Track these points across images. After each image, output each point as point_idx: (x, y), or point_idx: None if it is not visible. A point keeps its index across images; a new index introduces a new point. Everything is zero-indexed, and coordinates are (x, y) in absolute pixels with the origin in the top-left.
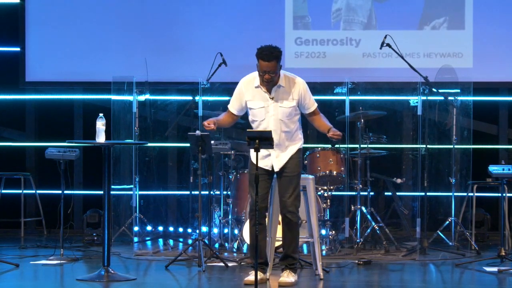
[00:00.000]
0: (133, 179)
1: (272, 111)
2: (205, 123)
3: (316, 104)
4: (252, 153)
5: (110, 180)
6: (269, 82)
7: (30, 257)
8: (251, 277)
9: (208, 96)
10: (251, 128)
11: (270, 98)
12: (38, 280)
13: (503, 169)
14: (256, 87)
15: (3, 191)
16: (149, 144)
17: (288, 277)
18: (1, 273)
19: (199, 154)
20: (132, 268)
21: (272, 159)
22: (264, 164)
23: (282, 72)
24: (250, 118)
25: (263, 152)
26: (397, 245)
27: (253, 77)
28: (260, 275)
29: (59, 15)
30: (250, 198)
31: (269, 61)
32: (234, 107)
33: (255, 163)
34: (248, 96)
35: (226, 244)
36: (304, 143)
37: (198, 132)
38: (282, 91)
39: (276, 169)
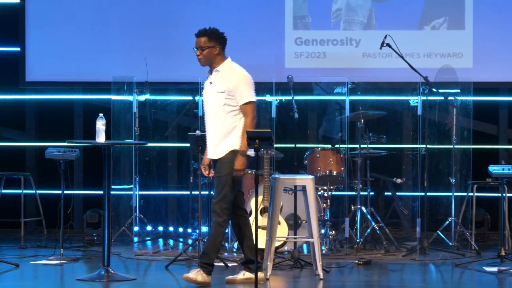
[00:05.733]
0: (133, 179)
1: (208, 95)
2: (205, 173)
3: (244, 102)
4: None
5: (110, 180)
6: (199, 60)
7: (30, 257)
8: (190, 274)
9: None
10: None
11: (210, 83)
12: (38, 280)
13: (503, 169)
14: (208, 72)
15: (3, 191)
16: (149, 144)
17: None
18: (1, 273)
19: (199, 154)
20: (132, 268)
21: (210, 147)
22: (208, 154)
23: (229, 61)
24: None
25: (207, 141)
26: (397, 245)
27: None
28: (207, 278)
29: (59, 15)
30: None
31: (198, 36)
32: None
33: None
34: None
35: (226, 244)
36: (304, 143)
37: (198, 132)
38: (219, 77)
39: (209, 156)
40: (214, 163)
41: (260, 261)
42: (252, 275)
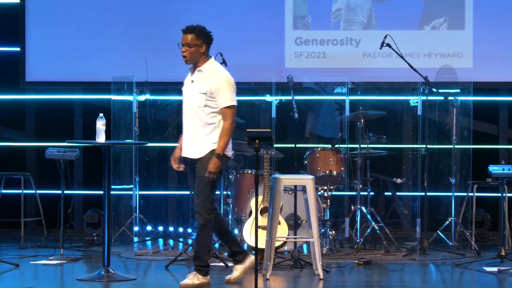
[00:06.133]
0: (133, 179)
1: (188, 94)
2: (174, 167)
3: (225, 105)
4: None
5: (110, 180)
6: (184, 57)
7: (30, 257)
8: (187, 280)
9: None
10: (250, 127)
11: (191, 81)
12: (38, 280)
13: (503, 169)
14: (190, 69)
15: (3, 191)
16: (149, 144)
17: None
18: (1, 273)
19: None
20: (132, 268)
21: (187, 146)
22: (184, 152)
23: (212, 62)
24: None
25: (184, 139)
26: (397, 245)
27: None
28: (204, 278)
29: (59, 15)
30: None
31: (185, 33)
32: None
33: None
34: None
35: None
36: (304, 143)
37: None
38: (201, 76)
39: (187, 155)
40: (193, 163)
41: (260, 261)
42: (243, 265)
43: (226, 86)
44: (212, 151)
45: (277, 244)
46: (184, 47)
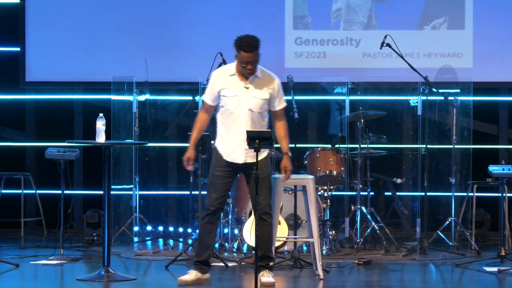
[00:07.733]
0: (133, 179)
1: (245, 100)
2: (187, 167)
3: (283, 106)
4: (220, 147)
5: (110, 180)
6: (252, 72)
7: (30, 257)
8: (187, 276)
9: None
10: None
11: (245, 87)
12: (38, 280)
13: (503, 169)
14: (231, 75)
15: (3, 191)
16: (149, 144)
17: (269, 277)
18: (1, 273)
19: (199, 154)
20: (132, 268)
21: (241, 151)
22: (233, 157)
23: (259, 65)
24: (221, 107)
25: (231, 145)
26: (397, 245)
27: (227, 68)
28: (197, 275)
29: (59, 15)
30: (209, 197)
31: (251, 51)
32: (209, 98)
33: (224, 159)
34: (222, 84)
35: (226, 244)
36: (304, 143)
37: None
38: (258, 82)
39: (241, 161)
40: (241, 167)
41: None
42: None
43: (281, 88)
44: (268, 153)
45: (277, 244)
46: (251, 64)
